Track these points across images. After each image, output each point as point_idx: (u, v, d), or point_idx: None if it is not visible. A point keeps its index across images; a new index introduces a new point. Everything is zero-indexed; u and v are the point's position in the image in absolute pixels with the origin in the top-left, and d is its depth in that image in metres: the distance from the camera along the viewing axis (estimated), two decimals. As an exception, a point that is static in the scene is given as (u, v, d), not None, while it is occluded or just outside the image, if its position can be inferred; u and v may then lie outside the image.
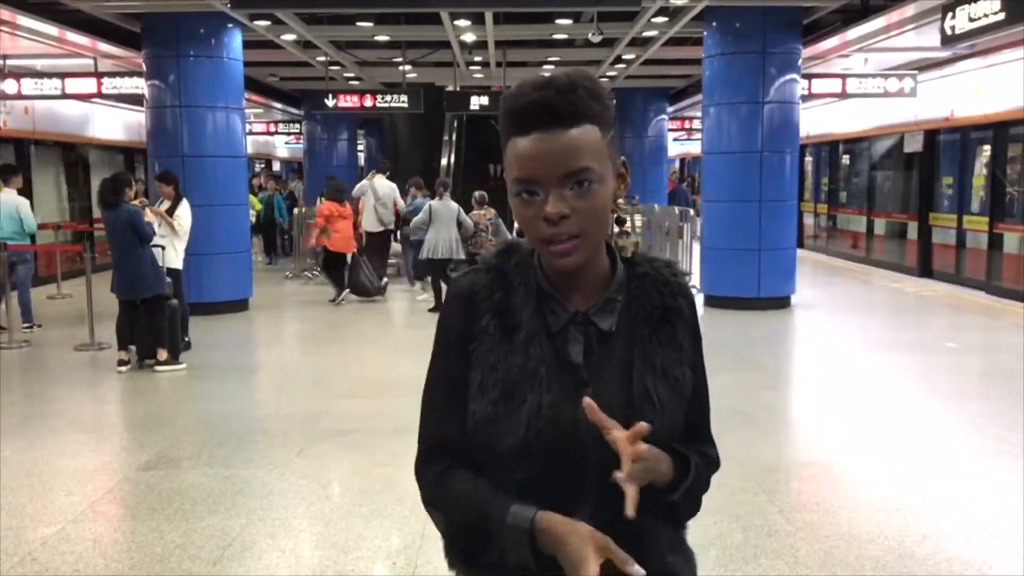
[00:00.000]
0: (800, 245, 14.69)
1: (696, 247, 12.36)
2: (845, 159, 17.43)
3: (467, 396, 1.34)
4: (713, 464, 1.49)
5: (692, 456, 1.38)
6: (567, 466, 1.32)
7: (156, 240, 7.66)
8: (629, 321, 1.37)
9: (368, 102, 14.04)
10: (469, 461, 1.35)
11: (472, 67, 15.62)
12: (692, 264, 12.31)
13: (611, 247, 1.41)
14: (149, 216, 7.75)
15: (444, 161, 20.72)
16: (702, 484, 1.43)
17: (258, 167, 27.61)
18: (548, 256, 1.30)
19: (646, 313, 1.38)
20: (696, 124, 19.91)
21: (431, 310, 10.66)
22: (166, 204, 8.14)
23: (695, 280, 11.28)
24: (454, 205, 10.80)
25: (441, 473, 1.37)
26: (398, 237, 13.24)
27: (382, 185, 12.67)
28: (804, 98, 11.45)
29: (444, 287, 10.47)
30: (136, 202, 7.83)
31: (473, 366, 1.34)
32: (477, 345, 1.35)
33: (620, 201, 1.36)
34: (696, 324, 1.45)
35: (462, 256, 10.65)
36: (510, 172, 1.29)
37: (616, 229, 1.42)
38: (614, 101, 17.84)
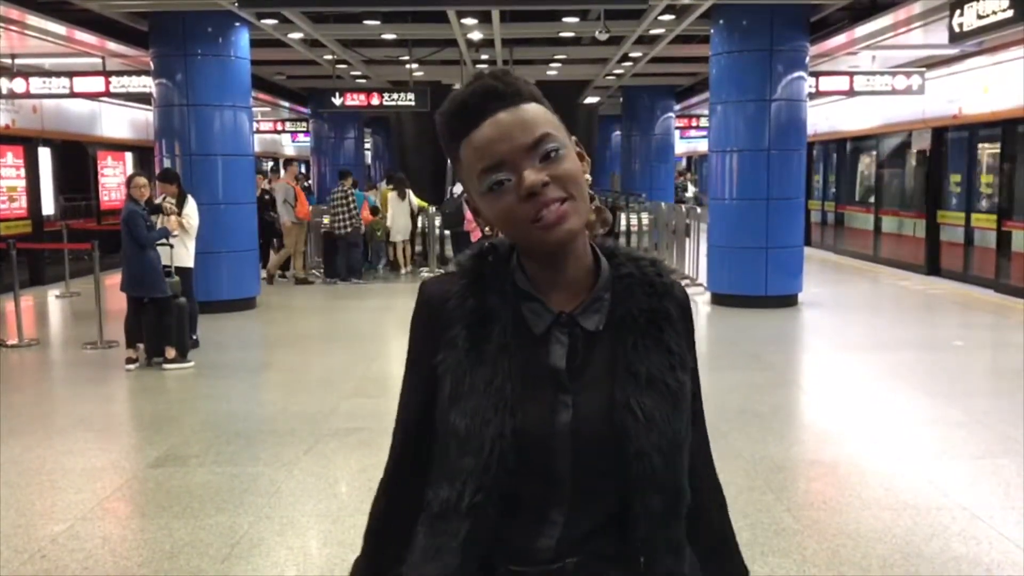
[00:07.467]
0: (807, 243, 14.66)
1: (701, 244, 12.34)
2: (852, 157, 17.39)
3: (434, 410, 1.28)
4: (725, 506, 1.47)
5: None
6: (535, 480, 1.25)
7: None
8: (614, 326, 1.28)
9: (375, 100, 14.07)
10: (423, 485, 1.31)
11: (479, 65, 15.62)
12: (697, 262, 12.30)
13: (595, 248, 1.32)
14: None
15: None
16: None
17: (268, 164, 27.40)
18: (541, 235, 1.20)
19: (632, 317, 1.28)
20: (703, 122, 19.86)
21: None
22: (170, 202, 8.15)
23: (701, 278, 11.25)
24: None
25: (387, 514, 1.38)
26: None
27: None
28: (811, 96, 11.42)
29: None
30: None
31: (441, 377, 1.27)
32: (445, 356, 1.26)
33: (587, 177, 1.27)
34: (690, 329, 1.34)
35: None
36: (473, 169, 1.23)
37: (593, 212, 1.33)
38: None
